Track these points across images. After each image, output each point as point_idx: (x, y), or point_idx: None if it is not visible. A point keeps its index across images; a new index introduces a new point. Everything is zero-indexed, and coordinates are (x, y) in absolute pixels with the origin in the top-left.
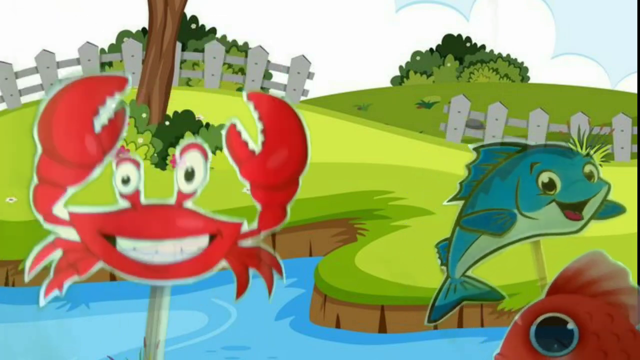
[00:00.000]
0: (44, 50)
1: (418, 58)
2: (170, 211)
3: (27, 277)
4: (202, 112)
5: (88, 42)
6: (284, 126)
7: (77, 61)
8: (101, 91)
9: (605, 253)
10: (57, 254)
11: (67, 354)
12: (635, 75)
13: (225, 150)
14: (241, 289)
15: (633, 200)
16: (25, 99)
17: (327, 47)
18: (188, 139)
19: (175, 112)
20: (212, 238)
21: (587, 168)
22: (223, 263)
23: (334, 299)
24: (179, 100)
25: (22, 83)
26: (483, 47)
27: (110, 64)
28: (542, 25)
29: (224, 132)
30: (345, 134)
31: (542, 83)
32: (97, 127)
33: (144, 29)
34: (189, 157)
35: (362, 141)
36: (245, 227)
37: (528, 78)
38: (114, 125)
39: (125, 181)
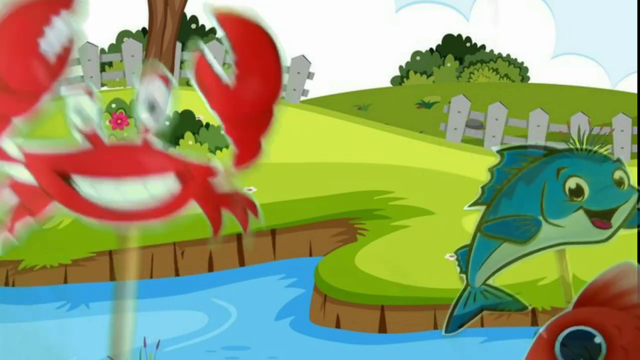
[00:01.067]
0: None
1: (418, 58)
2: (133, 149)
3: None
4: (202, 112)
5: (88, 42)
6: (257, 51)
7: (77, 61)
8: (46, 10)
9: (635, 264)
10: (8, 196)
11: (67, 354)
12: (635, 75)
13: (192, 81)
14: (215, 230)
15: None
16: None
17: (327, 47)
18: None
19: (175, 112)
20: (181, 180)
21: (617, 174)
22: (193, 204)
23: (334, 299)
24: (179, 100)
25: None
26: (483, 47)
27: (110, 64)
28: (542, 25)
29: (192, 65)
30: (345, 134)
31: (542, 83)
32: (45, 49)
33: (144, 29)
34: (150, 86)
35: (362, 141)
36: (218, 166)
37: (528, 78)
38: (63, 49)
39: (81, 115)
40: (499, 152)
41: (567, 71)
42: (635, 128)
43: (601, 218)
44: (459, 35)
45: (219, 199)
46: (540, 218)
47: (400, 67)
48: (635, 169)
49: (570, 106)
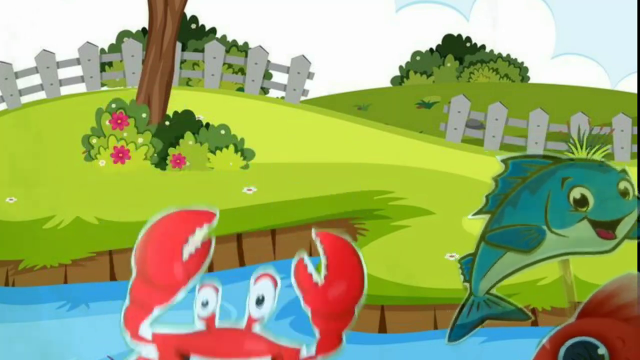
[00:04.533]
0: (44, 50)
1: (418, 58)
2: (240, 335)
3: None
4: (202, 112)
5: (88, 42)
6: (345, 262)
7: (77, 61)
8: (192, 223)
9: (630, 281)
10: None
11: (67, 354)
12: (635, 75)
13: (292, 280)
14: None
15: None
16: (25, 99)
17: (327, 47)
18: (261, 269)
19: (175, 112)
20: None
21: (622, 185)
22: None
23: None
24: (179, 100)
25: (22, 83)
26: (483, 47)
27: (110, 64)
28: (542, 25)
29: (292, 265)
30: (345, 134)
31: (542, 83)
32: (185, 255)
33: (144, 29)
34: (261, 284)
35: (362, 141)
36: (304, 353)
37: (528, 78)
38: (200, 254)
39: (204, 304)
40: (503, 161)
41: (567, 71)
42: (635, 128)
43: (606, 228)
44: (459, 35)
45: None
46: (545, 228)
47: (400, 67)
48: (635, 169)
49: (570, 106)
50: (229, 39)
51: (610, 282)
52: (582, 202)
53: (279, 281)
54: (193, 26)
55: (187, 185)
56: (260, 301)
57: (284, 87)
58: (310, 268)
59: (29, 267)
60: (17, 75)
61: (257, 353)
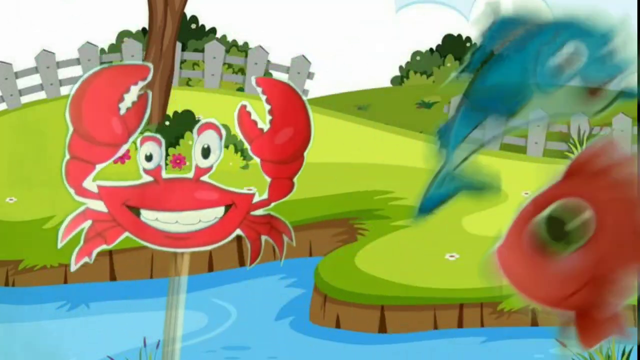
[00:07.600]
0: (44, 50)
1: (418, 58)
2: (189, 185)
3: (60, 244)
4: (202, 112)
5: (88, 42)
6: (289, 107)
7: (77, 61)
8: (126, 80)
9: (616, 140)
10: (86, 223)
11: (67, 354)
12: (635, 75)
13: (236, 128)
14: (254, 255)
15: None
16: (25, 99)
17: (327, 47)
18: (205, 119)
19: (175, 112)
20: (227, 208)
21: (613, 44)
22: (237, 231)
23: (334, 299)
24: (179, 100)
25: (22, 83)
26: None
27: (110, 64)
28: None
29: (235, 113)
30: (345, 134)
31: None
32: (123, 110)
33: (144, 29)
34: (205, 135)
35: (362, 141)
36: (256, 198)
37: None
38: (138, 109)
39: (148, 158)
40: (489, 13)
41: None
42: (635, 128)
43: (595, 88)
44: (459, 35)
45: (258, 225)
46: (533, 87)
47: (400, 67)
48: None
49: None
50: (229, 39)
51: (595, 141)
52: (572, 60)
53: (223, 132)
54: (193, 26)
55: None
56: (206, 152)
57: None
58: (254, 115)
59: (29, 267)
60: (17, 75)
61: (209, 202)
